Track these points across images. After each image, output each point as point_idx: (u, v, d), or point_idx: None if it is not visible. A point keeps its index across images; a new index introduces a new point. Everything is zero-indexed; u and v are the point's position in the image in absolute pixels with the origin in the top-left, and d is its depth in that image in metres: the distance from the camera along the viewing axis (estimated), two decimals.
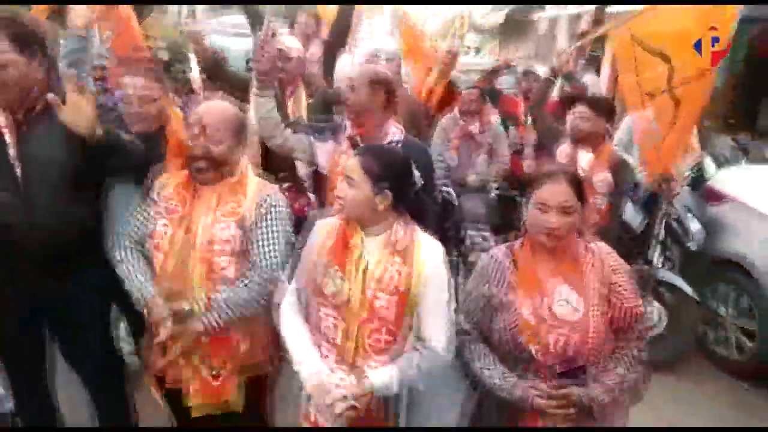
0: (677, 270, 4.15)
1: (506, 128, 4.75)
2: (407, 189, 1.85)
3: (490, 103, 4.90)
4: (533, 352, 1.79)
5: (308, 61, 3.99)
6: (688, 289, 3.75)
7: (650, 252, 3.89)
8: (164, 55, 4.75)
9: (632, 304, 1.83)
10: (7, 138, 2.09)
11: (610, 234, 3.23)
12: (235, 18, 16.29)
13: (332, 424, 1.78)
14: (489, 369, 1.87)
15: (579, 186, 1.85)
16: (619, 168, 3.39)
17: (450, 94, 4.39)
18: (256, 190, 2.10)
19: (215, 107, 2.11)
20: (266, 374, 2.22)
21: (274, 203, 2.09)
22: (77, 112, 2.01)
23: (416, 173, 1.90)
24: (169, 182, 2.12)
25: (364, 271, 1.79)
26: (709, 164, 4.81)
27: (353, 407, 1.73)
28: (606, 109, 3.48)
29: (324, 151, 2.62)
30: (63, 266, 2.21)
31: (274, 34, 2.48)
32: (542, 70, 4.96)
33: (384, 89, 2.58)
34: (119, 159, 2.23)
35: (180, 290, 2.02)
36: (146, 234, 2.10)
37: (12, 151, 2.09)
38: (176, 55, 5.18)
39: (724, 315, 3.96)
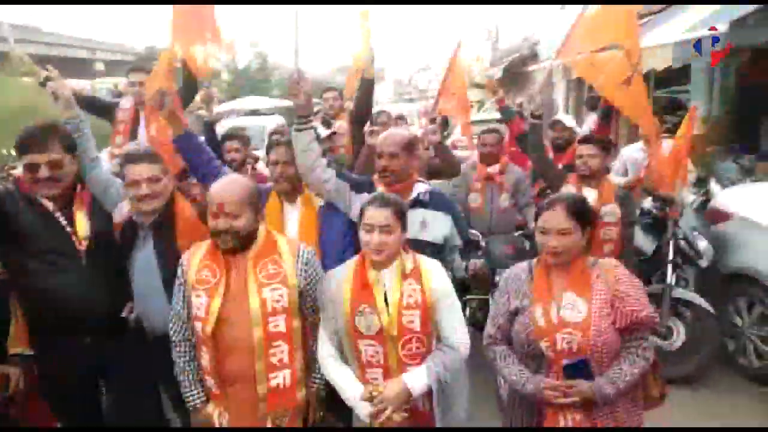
0: (693, 287, 4.34)
1: (537, 177, 4.76)
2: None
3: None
4: (544, 349, 2.09)
5: (338, 135, 4.38)
6: (704, 305, 3.95)
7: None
8: None
9: (634, 307, 2.06)
10: (60, 219, 2.43)
11: (627, 260, 3.35)
12: (249, 100, 17.18)
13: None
14: (508, 367, 2.19)
15: (577, 211, 2.14)
16: (624, 199, 3.63)
17: None
18: (288, 247, 2.27)
19: (227, 184, 2.22)
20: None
21: (310, 258, 2.29)
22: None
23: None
24: (193, 256, 2.25)
25: (385, 299, 2.11)
26: (714, 187, 5.09)
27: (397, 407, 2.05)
28: (608, 146, 3.70)
29: (358, 202, 2.76)
30: (116, 331, 2.50)
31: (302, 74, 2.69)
32: (570, 121, 5.03)
33: (416, 150, 2.83)
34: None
35: (235, 352, 2.16)
36: (185, 309, 2.26)
37: (68, 229, 2.44)
38: None
39: (741, 325, 4.12)
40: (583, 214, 2.16)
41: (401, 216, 2.16)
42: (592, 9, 3.93)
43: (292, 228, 2.77)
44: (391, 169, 2.75)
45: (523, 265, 2.30)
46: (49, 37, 21.23)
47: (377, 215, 2.12)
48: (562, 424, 2.08)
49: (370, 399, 2.07)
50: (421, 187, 2.84)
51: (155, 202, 2.50)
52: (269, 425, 2.20)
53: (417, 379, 2.09)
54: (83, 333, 2.46)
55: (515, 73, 16.60)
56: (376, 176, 2.87)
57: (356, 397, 2.11)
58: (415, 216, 2.68)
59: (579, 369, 2.05)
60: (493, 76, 15.21)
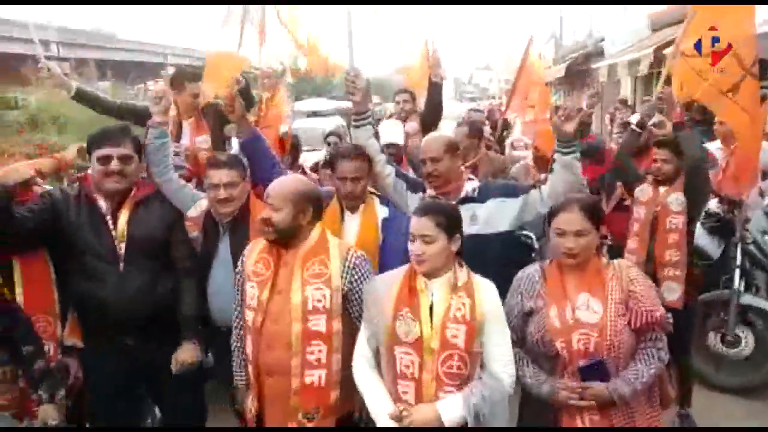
0: (765, 294, 4.11)
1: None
2: (462, 232, 2.12)
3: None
4: (559, 349, 2.08)
5: (410, 136, 4.36)
6: None
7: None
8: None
9: (649, 308, 2.06)
10: (109, 221, 2.54)
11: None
12: (307, 103, 17.49)
13: None
14: (522, 369, 2.18)
15: (592, 212, 2.14)
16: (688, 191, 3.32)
17: None
18: (338, 250, 2.30)
19: (280, 180, 2.39)
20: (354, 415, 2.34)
21: (358, 262, 2.29)
22: None
23: None
24: (253, 249, 2.38)
25: (431, 309, 2.04)
26: None
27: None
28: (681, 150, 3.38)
29: (414, 202, 2.76)
30: (158, 333, 2.55)
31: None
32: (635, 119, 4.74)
33: (459, 152, 2.85)
34: None
35: (274, 345, 2.21)
36: (240, 297, 2.36)
37: (114, 233, 2.53)
38: None
39: None
40: (596, 216, 2.16)
41: (446, 225, 2.05)
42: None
43: (349, 236, 2.78)
44: (437, 173, 2.78)
45: (535, 266, 2.30)
46: (126, 44, 22.28)
47: (417, 224, 2.07)
48: (579, 425, 2.07)
49: (399, 419, 1.97)
50: (469, 186, 2.84)
51: (231, 205, 2.69)
52: (300, 417, 2.20)
53: (452, 408, 1.97)
54: (123, 335, 2.53)
55: (578, 71, 16.21)
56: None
57: (383, 413, 2.03)
58: (464, 212, 2.67)
59: (593, 370, 2.04)
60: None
